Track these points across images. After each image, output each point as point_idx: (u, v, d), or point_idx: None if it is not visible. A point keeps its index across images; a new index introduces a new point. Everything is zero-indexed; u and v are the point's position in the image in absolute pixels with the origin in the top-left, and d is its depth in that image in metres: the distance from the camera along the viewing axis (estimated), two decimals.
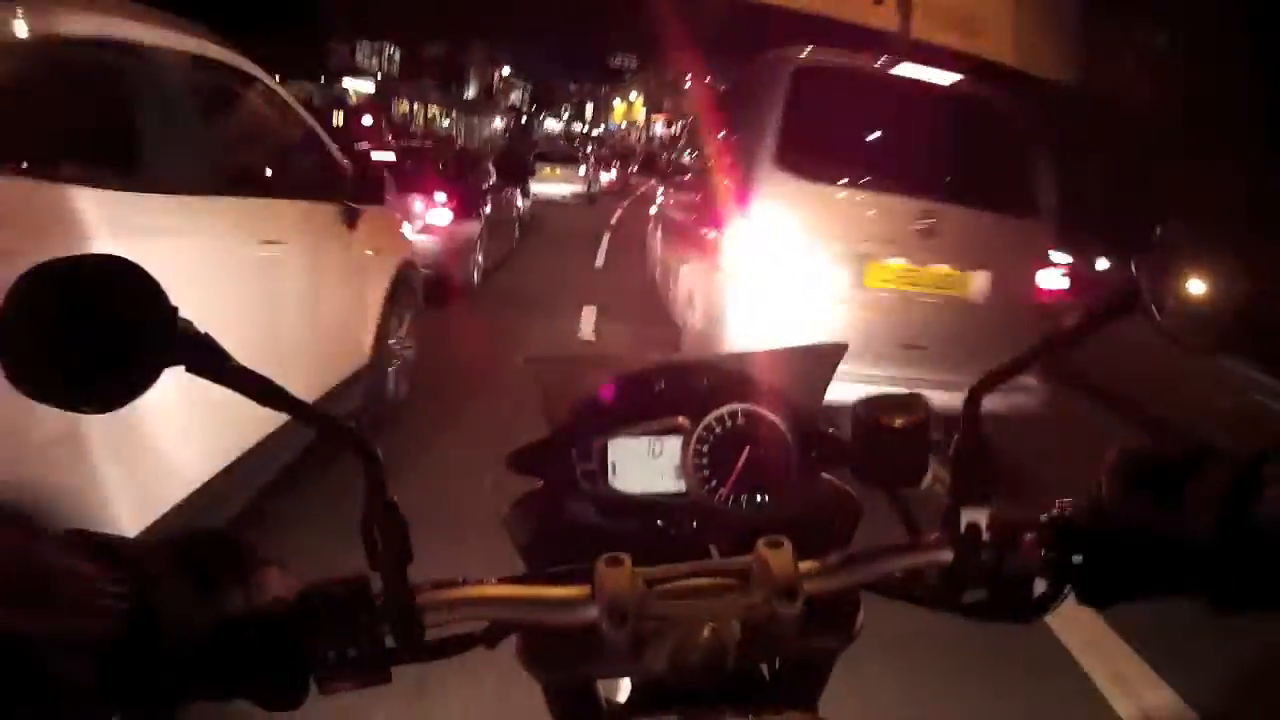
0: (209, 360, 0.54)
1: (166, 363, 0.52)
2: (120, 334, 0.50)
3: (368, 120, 20.52)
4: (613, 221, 17.26)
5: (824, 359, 0.83)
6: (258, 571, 0.59)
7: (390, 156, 8.92)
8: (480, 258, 9.37)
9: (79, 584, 0.49)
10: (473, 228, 9.14)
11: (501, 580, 0.68)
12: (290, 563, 0.62)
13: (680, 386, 0.82)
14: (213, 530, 0.59)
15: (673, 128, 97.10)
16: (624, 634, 0.60)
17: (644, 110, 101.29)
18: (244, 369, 0.55)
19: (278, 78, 3.85)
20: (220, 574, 0.57)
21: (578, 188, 21.08)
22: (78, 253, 0.52)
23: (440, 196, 8.35)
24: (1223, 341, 0.61)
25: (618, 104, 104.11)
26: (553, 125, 76.80)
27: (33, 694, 0.47)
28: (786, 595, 0.60)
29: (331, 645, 0.59)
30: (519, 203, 13.60)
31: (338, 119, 19.50)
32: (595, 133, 79.21)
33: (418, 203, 8.31)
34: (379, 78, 26.80)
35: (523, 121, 38.13)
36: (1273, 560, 0.58)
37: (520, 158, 15.14)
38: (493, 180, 11.13)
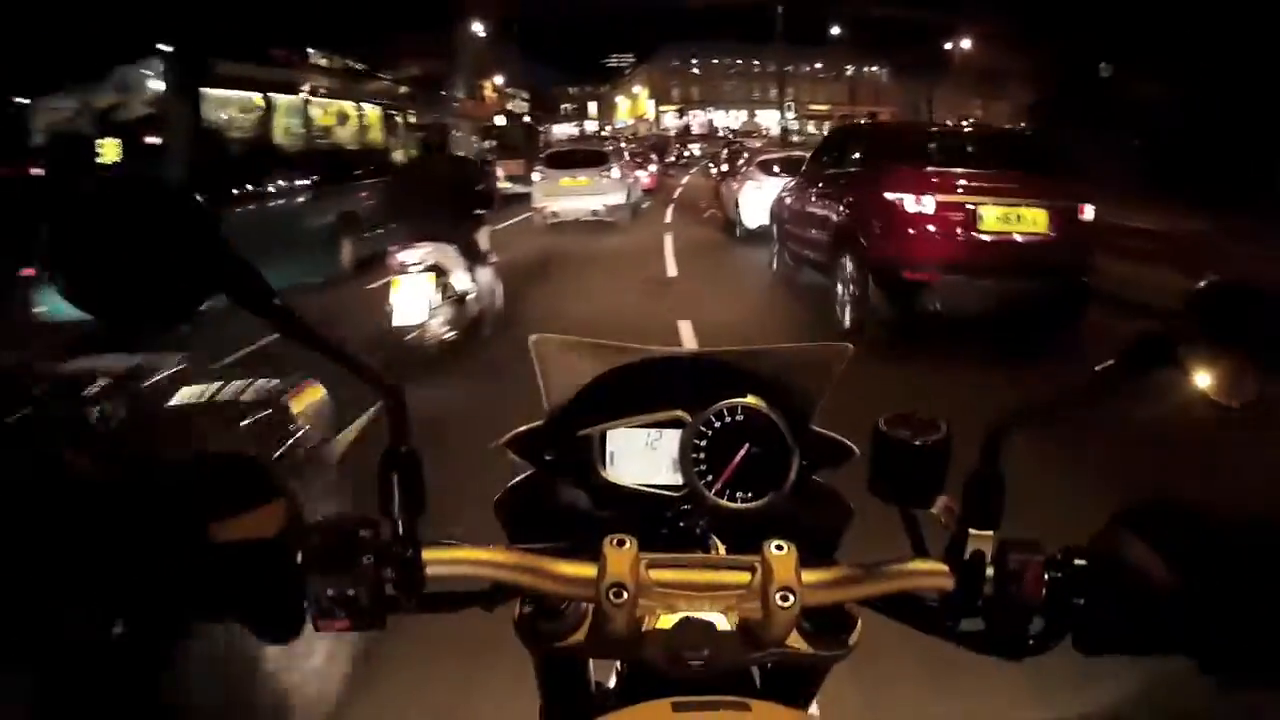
0: (253, 294, 0.55)
1: (212, 291, 0.53)
2: (169, 258, 0.52)
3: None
4: (668, 255, 11.20)
5: (828, 359, 0.83)
6: (269, 498, 0.61)
7: None
8: None
9: (81, 489, 0.54)
10: None
11: (508, 548, 0.67)
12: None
13: (682, 379, 0.83)
14: (231, 453, 0.62)
15: (684, 118, 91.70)
16: (622, 612, 0.61)
17: (650, 103, 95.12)
18: (285, 307, 0.56)
19: None
20: (230, 495, 0.60)
21: (613, 198, 14.88)
22: None
23: None
24: (1260, 402, 0.60)
25: (621, 101, 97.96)
26: (563, 129, 71.28)
27: (33, 604, 0.51)
28: (784, 599, 0.61)
29: (331, 583, 0.59)
30: (474, 284, 6.43)
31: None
32: (605, 131, 73.75)
33: None
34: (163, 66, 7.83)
35: (523, 120, 31.01)
36: (1265, 630, 0.59)
37: (463, 195, 6.13)
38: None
